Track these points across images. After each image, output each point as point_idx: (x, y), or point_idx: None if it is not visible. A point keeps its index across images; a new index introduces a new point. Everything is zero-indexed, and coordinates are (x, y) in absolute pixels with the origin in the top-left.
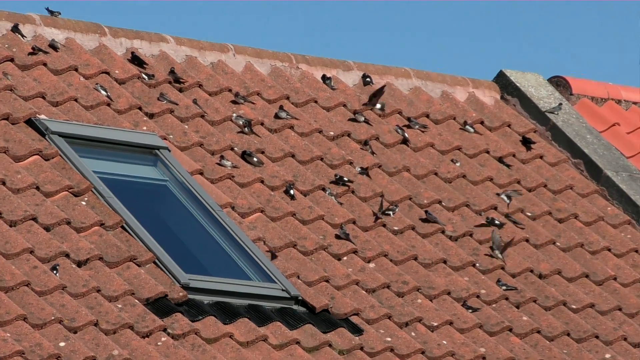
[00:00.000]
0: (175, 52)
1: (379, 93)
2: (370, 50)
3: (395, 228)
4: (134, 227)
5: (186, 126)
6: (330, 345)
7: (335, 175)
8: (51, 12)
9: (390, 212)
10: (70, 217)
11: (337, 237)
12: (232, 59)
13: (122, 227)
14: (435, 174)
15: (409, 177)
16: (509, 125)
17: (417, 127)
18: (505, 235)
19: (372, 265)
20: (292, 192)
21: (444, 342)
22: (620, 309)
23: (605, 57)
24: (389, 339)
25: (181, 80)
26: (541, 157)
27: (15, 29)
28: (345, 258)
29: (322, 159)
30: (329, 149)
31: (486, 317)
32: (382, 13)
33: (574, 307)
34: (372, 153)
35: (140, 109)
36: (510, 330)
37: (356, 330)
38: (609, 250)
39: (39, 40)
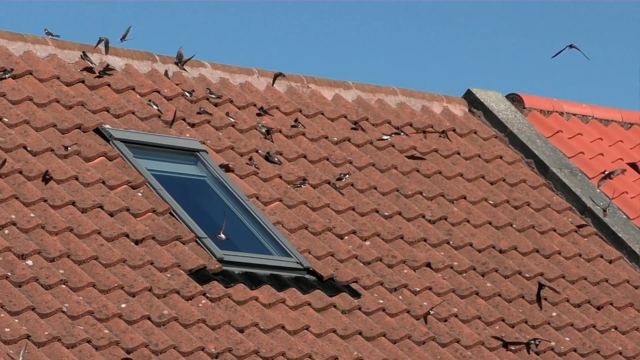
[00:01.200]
0: (211, 75)
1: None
2: (364, 70)
3: (386, 214)
4: (180, 213)
5: (220, 133)
6: (334, 306)
7: (339, 176)
8: (50, 34)
9: (343, 178)
10: (129, 205)
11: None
12: (257, 80)
13: (170, 213)
14: (417, 170)
15: (397, 173)
16: (475, 132)
17: (402, 134)
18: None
19: (367, 243)
20: (304, 185)
21: (425, 303)
22: (563, 277)
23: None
24: (381, 301)
25: (216, 96)
26: (500, 157)
27: (84, 56)
28: (346, 237)
29: (327, 159)
30: (333, 151)
31: (458, 284)
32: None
33: (527, 275)
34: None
35: (184, 120)
36: (477, 294)
37: (355, 294)
38: (555, 230)
39: (104, 66)
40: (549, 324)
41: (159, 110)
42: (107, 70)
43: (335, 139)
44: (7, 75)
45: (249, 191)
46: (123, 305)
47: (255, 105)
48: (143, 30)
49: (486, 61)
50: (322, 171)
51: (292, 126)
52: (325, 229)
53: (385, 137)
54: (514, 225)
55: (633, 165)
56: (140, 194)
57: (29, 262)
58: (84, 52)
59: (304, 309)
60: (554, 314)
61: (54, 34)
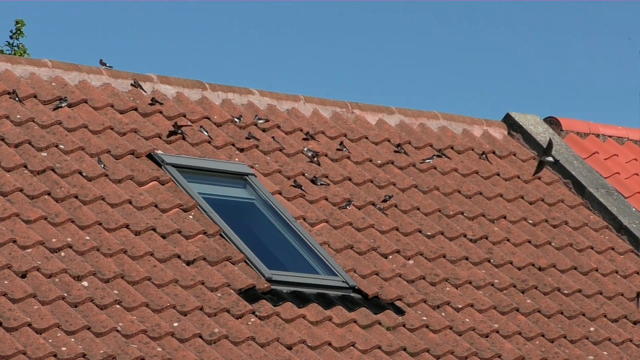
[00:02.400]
0: (259, 102)
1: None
2: (406, 95)
3: (429, 233)
4: (229, 235)
5: (268, 157)
6: (379, 323)
7: (385, 198)
8: (104, 64)
9: (387, 200)
10: (180, 228)
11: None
12: (303, 106)
13: (220, 234)
14: (459, 191)
15: (439, 194)
16: (514, 154)
17: (443, 156)
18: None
19: (411, 262)
20: (349, 207)
21: (467, 320)
22: (601, 293)
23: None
24: (424, 318)
25: (264, 121)
26: (539, 178)
27: (136, 85)
28: (390, 257)
29: (372, 182)
30: (377, 174)
31: (499, 301)
32: (419, 66)
33: (565, 292)
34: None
35: (233, 145)
36: (517, 310)
37: (399, 311)
38: (592, 248)
39: (156, 94)
40: (587, 338)
41: (209, 136)
42: (159, 98)
43: (379, 161)
44: (63, 104)
45: (296, 213)
46: (175, 324)
47: (301, 130)
48: (194, 59)
49: (525, 86)
50: (367, 193)
51: (337, 150)
52: (370, 249)
53: (427, 160)
54: (553, 244)
55: None
56: (191, 217)
57: (85, 283)
58: (135, 80)
59: (350, 326)
60: (592, 329)
61: (108, 64)
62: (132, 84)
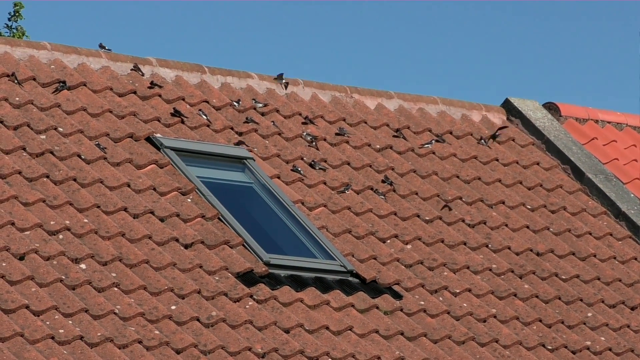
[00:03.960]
0: (258, 86)
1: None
2: (405, 80)
3: (427, 218)
4: (228, 218)
5: (267, 141)
6: (377, 308)
7: (383, 179)
8: (103, 47)
9: (388, 182)
10: (179, 211)
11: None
12: (302, 90)
13: (219, 218)
14: (457, 176)
15: (437, 179)
16: (513, 140)
17: (442, 141)
18: None
19: (409, 246)
20: (347, 191)
21: (464, 304)
22: (599, 279)
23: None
24: (422, 303)
25: (263, 105)
26: (538, 164)
27: (136, 69)
28: (388, 241)
29: (370, 166)
30: (376, 158)
31: (497, 286)
32: (418, 50)
33: (563, 277)
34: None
35: (232, 128)
36: (515, 295)
37: (397, 296)
38: (590, 234)
39: (155, 77)
40: (584, 324)
41: (207, 120)
42: (158, 81)
43: (378, 146)
44: (61, 87)
45: (294, 197)
46: (173, 307)
47: (300, 114)
48: (193, 42)
49: (524, 71)
50: (365, 177)
51: (337, 134)
52: (368, 233)
53: (426, 145)
54: (551, 229)
55: None
56: (189, 200)
57: (83, 266)
58: (135, 65)
59: (348, 310)
60: (589, 314)
61: (107, 47)
62: (132, 69)
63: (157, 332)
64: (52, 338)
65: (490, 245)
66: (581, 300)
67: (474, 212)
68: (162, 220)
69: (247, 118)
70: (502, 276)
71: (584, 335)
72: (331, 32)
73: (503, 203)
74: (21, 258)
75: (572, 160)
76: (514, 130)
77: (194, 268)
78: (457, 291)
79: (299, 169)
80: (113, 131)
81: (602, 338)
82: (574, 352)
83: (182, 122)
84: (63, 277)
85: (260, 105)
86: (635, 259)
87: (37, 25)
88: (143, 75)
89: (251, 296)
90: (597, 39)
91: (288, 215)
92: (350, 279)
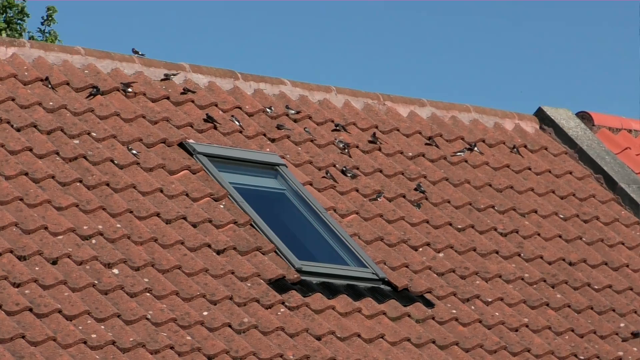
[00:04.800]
0: (291, 92)
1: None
2: (438, 88)
3: (459, 226)
4: (260, 225)
5: (299, 148)
6: (409, 316)
7: (416, 187)
8: (136, 53)
9: (420, 189)
10: (211, 217)
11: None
12: (334, 97)
13: (251, 224)
14: (490, 185)
15: (469, 187)
16: (545, 149)
17: (474, 150)
18: None
19: (441, 254)
20: (380, 198)
21: (496, 313)
22: (631, 289)
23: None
24: (454, 311)
25: (295, 112)
26: (570, 173)
27: (166, 77)
28: (420, 249)
29: (402, 174)
30: (408, 166)
31: (529, 295)
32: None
33: (596, 287)
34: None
35: (264, 135)
36: (547, 305)
37: (429, 304)
38: (623, 244)
39: (188, 83)
40: (617, 334)
41: (240, 126)
42: (191, 87)
43: (410, 154)
44: (95, 92)
45: (326, 204)
46: (205, 313)
47: (332, 121)
48: (226, 48)
49: (557, 80)
50: (397, 185)
51: (369, 142)
52: (400, 241)
53: (458, 153)
54: (584, 239)
55: None
56: (222, 206)
57: (115, 271)
58: (165, 75)
59: (379, 318)
60: (622, 324)
61: (140, 52)
62: (163, 78)
63: (189, 337)
64: (85, 343)
65: (522, 255)
66: (613, 310)
67: (506, 221)
68: (194, 226)
69: (279, 125)
70: (534, 285)
71: (616, 346)
72: (364, 40)
73: (535, 212)
74: (54, 262)
75: (604, 170)
76: (547, 139)
77: (226, 274)
78: (489, 300)
79: (332, 175)
80: (146, 136)
81: (635, 349)
82: None
83: (215, 128)
84: (96, 282)
85: (293, 112)
86: None
87: (70, 29)
88: (169, 78)
89: (283, 303)
90: (632, 49)
91: (320, 222)
92: (382, 286)
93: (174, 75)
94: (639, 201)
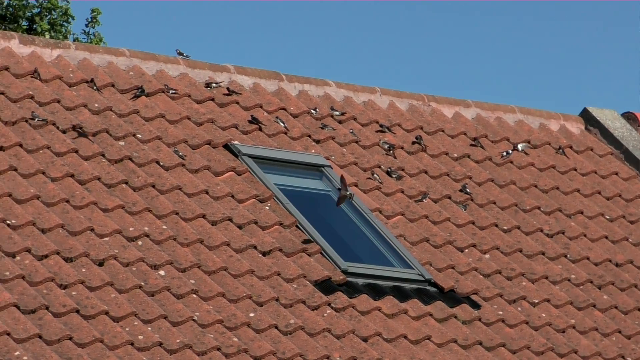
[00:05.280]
0: (335, 93)
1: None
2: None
3: (505, 227)
4: (305, 226)
5: (344, 149)
6: (455, 317)
7: (461, 188)
8: (181, 54)
9: (423, 199)
10: (257, 218)
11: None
12: (379, 98)
13: (297, 226)
14: (535, 186)
15: (515, 188)
16: (591, 149)
17: (520, 150)
18: None
19: (487, 256)
20: (425, 200)
21: (543, 315)
22: None
23: None
24: (500, 313)
25: (340, 113)
26: (616, 174)
27: (208, 85)
28: (466, 250)
29: (448, 175)
30: (453, 167)
31: (575, 296)
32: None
33: None
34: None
35: (309, 136)
36: (594, 306)
37: (475, 305)
38: None
39: (233, 84)
40: None
41: (285, 127)
42: (236, 89)
43: (455, 155)
44: (140, 93)
45: (372, 205)
46: (251, 315)
47: (377, 122)
48: (270, 49)
49: (602, 81)
50: (443, 186)
51: (414, 142)
52: (446, 242)
53: (504, 154)
54: (630, 240)
55: None
56: (267, 208)
57: (162, 273)
58: (207, 83)
59: (426, 320)
60: None
61: (185, 54)
62: (205, 86)
63: (235, 339)
64: (132, 344)
65: (568, 256)
66: None
67: (552, 222)
68: (240, 227)
69: (324, 125)
70: (581, 287)
71: None
72: (409, 41)
73: (581, 213)
74: (100, 264)
75: None
76: (592, 140)
77: (272, 275)
78: (536, 301)
79: (377, 176)
80: (191, 138)
81: None
82: None
83: (260, 129)
84: (142, 284)
85: (338, 113)
86: None
87: (114, 31)
88: (211, 87)
89: (329, 304)
90: None
91: (366, 223)
92: (428, 288)
93: (217, 85)
94: None
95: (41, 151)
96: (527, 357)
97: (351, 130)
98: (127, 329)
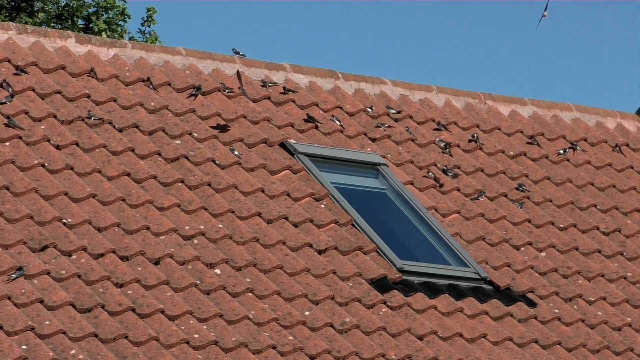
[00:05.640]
0: (391, 92)
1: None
2: (539, 86)
3: (561, 226)
4: (361, 224)
5: (400, 148)
6: (511, 315)
7: (518, 186)
8: (237, 53)
9: (479, 197)
10: (312, 217)
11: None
12: (435, 96)
13: (352, 224)
14: (592, 184)
15: (571, 186)
16: None
17: (577, 149)
18: None
19: (543, 254)
20: (481, 198)
21: (599, 313)
22: None
23: None
24: (556, 311)
25: (396, 111)
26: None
27: (264, 84)
28: (522, 248)
29: (504, 173)
30: (510, 165)
31: (632, 294)
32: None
33: None
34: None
35: (365, 134)
36: None
37: (531, 303)
38: None
39: (289, 83)
40: None
41: (341, 125)
42: (292, 87)
43: (512, 153)
44: (196, 92)
45: (427, 203)
46: (307, 313)
47: (433, 120)
48: (326, 48)
49: None
50: (499, 184)
51: (470, 141)
52: (502, 240)
53: (561, 152)
54: None
55: None
56: (323, 206)
57: (217, 271)
58: (263, 82)
59: (482, 318)
60: None
61: (241, 52)
62: (261, 85)
63: (291, 337)
64: (187, 343)
65: (625, 254)
66: None
67: (609, 220)
68: (295, 225)
69: (380, 124)
70: (637, 284)
71: None
72: (465, 39)
73: (638, 211)
74: (156, 263)
75: None
76: None
77: (327, 274)
78: (592, 299)
79: (434, 174)
80: (247, 137)
81: None
82: None
83: (316, 127)
84: (198, 282)
85: (394, 111)
86: None
87: (170, 30)
88: (267, 86)
89: (385, 303)
90: None
91: (421, 221)
92: (484, 286)
93: (273, 84)
94: None
95: (97, 150)
96: (583, 356)
97: (407, 128)
98: (182, 328)
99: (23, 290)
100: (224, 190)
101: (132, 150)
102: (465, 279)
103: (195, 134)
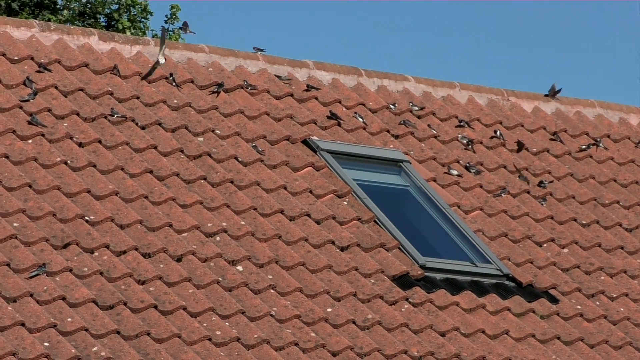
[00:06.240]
0: (414, 89)
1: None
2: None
3: (584, 222)
4: (383, 221)
5: (423, 144)
6: (533, 312)
7: (540, 183)
8: (258, 50)
9: (501, 194)
10: (335, 214)
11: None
12: (458, 93)
13: (375, 221)
14: (615, 180)
15: (594, 182)
16: None
17: (600, 145)
18: None
19: (566, 250)
20: (503, 194)
21: (621, 309)
22: None
23: None
24: (579, 307)
25: (419, 108)
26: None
27: (287, 81)
28: (545, 245)
29: (527, 169)
30: (533, 162)
31: None
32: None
33: None
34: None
35: (388, 131)
36: None
37: (553, 300)
38: None
39: (312, 80)
40: None
41: (364, 122)
42: (315, 84)
43: (535, 150)
44: (219, 89)
45: (450, 200)
46: (329, 310)
47: (456, 117)
48: (349, 45)
49: None
50: (522, 181)
51: (492, 137)
52: (524, 237)
53: (583, 147)
54: None
55: None
56: (345, 203)
57: (239, 268)
58: (277, 76)
59: (504, 314)
60: None
61: (262, 48)
62: (283, 82)
63: (313, 334)
64: (209, 339)
65: None
66: None
67: (632, 217)
68: (318, 222)
69: (403, 121)
70: None
71: None
72: (487, 36)
73: None
74: (179, 259)
75: None
76: None
77: (349, 271)
78: (614, 296)
79: (456, 171)
80: (270, 133)
81: None
82: None
83: (339, 124)
84: (220, 279)
85: (417, 108)
86: None
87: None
88: (282, 78)
89: (407, 299)
90: None
91: (444, 218)
92: (507, 282)
93: (288, 79)
94: None
95: (120, 147)
96: (606, 352)
97: (429, 125)
98: (204, 324)
99: (45, 288)
100: (247, 188)
101: (155, 148)
102: (487, 275)
103: (218, 131)
